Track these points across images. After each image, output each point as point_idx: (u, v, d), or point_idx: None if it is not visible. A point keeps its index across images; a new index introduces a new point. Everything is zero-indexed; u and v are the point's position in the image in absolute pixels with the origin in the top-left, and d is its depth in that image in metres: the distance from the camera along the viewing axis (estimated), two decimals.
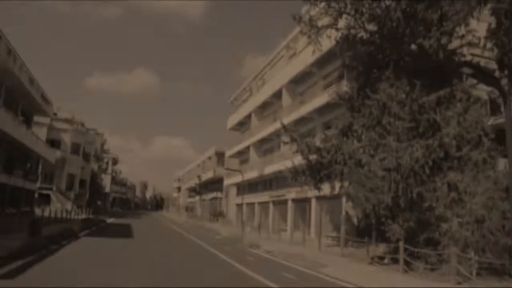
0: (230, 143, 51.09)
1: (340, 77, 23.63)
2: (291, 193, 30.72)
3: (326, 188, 19.86)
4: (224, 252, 17.46)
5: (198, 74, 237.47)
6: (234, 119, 48.32)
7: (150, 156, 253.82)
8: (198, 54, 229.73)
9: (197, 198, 74.44)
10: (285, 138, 19.89)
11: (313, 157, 19.06)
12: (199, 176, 63.75)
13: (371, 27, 17.67)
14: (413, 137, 14.40)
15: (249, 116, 42.94)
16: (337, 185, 19.03)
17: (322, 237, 22.28)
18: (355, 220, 22.42)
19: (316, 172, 19.19)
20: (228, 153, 50.47)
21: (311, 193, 25.87)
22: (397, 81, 15.25)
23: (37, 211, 36.42)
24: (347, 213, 23.10)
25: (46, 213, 28.54)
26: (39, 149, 35.70)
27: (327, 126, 25.60)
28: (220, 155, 58.12)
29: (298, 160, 20.23)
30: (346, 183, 17.87)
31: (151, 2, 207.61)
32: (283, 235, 27.94)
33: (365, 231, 19.77)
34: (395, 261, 13.96)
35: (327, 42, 19.73)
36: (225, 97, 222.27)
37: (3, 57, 22.88)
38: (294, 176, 19.83)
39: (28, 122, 34.51)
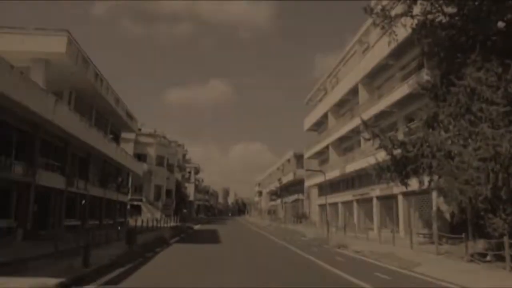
0: (308, 143, 50.82)
1: (420, 66, 22.46)
2: (376, 191, 29.72)
3: (413, 184, 18.95)
4: (312, 253, 17.31)
5: (270, 79, 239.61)
6: (311, 120, 47.96)
7: (230, 163, 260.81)
8: (268, 59, 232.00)
9: (279, 201, 74.86)
10: (366, 135, 19.26)
11: (397, 152, 18.29)
12: (279, 179, 64.11)
13: (450, 9, 16.62)
14: (510, 123, 13.22)
15: (325, 116, 42.38)
16: (426, 179, 18.07)
17: (412, 235, 21.26)
18: (447, 216, 21.07)
19: (401, 167, 18.37)
20: (306, 154, 50.18)
21: (397, 189, 24.83)
22: (486, 64, 14.11)
23: (130, 221, 38.99)
24: (438, 208, 21.81)
25: (139, 223, 30.39)
26: (128, 163, 38.23)
27: (410, 119, 24.45)
28: (299, 157, 58.02)
29: (382, 156, 19.52)
30: (435, 177, 16.92)
31: (218, 15, 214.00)
32: (370, 234, 27.05)
33: (460, 226, 18.48)
34: (499, 258, 12.86)
35: (403, 31, 18.93)
36: (298, 99, 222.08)
37: (92, 81, 24.86)
38: (379, 173, 19.14)
39: (116, 139, 37.12)
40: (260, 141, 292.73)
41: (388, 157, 18.50)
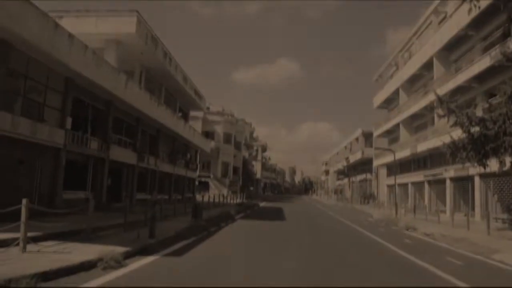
0: (377, 121, 48.97)
1: (505, 35, 20.45)
2: (449, 171, 27.99)
3: (492, 164, 17.53)
4: (379, 234, 16.69)
5: (339, 58, 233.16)
6: (381, 96, 46.06)
7: (297, 142, 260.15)
8: (336, 37, 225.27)
9: (346, 180, 73.56)
10: (441, 111, 17.98)
11: (475, 129, 16.95)
12: (347, 158, 62.83)
13: None
14: None
15: (396, 92, 40.43)
16: (508, 160, 16.60)
17: (490, 220, 19.76)
18: None
19: (479, 147, 17.06)
20: (376, 132, 48.45)
21: (474, 170, 23.15)
22: None
23: (198, 197, 40.26)
24: None
25: (206, 199, 31.20)
26: (197, 140, 39.28)
27: (491, 94, 22.50)
28: (367, 136, 56.23)
29: (457, 134, 18.22)
30: None
31: None
32: (442, 217, 25.60)
33: None
34: None
35: None
36: (367, 78, 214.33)
37: (161, 60, 25.54)
38: (454, 152, 17.92)
39: (185, 117, 38.20)
40: (328, 120, 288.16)
41: (464, 135, 17.29)
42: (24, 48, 13.50)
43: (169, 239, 11.87)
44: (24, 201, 8.12)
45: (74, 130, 17.72)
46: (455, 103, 17.43)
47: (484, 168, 17.62)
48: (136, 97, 22.30)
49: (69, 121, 16.87)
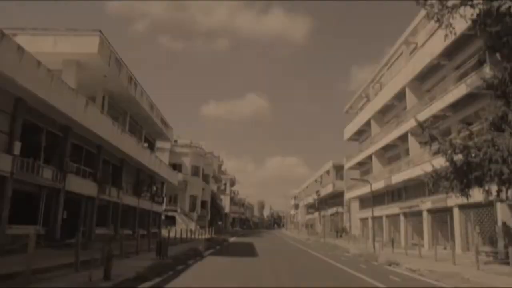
0: (348, 153, 48.58)
1: (481, 63, 20.25)
2: (426, 203, 27.22)
3: (475, 195, 16.75)
4: (362, 271, 15.32)
5: (306, 94, 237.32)
6: (352, 128, 45.78)
7: (265, 176, 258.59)
8: (304, 74, 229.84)
9: (316, 214, 72.33)
10: (424, 138, 17.17)
11: (458, 157, 16.19)
12: (317, 192, 61.86)
13: None
14: None
15: (367, 124, 40.14)
16: (494, 189, 15.82)
17: (472, 253, 18.85)
18: None
19: (462, 176, 16.24)
20: (347, 165, 47.89)
21: (453, 201, 22.47)
22: None
23: (164, 232, 37.93)
24: (504, 223, 19.30)
25: (172, 234, 29.23)
26: (163, 172, 37.30)
27: (467, 123, 22.07)
28: (338, 168, 55.64)
29: (438, 162, 17.48)
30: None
31: (255, 31, 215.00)
32: (420, 251, 24.55)
33: None
34: None
35: (459, 25, 17.14)
36: (334, 113, 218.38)
37: (125, 84, 24.02)
38: (436, 181, 17.06)
39: (151, 147, 36.31)
40: (296, 154, 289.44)
41: (444, 165, 16.55)
42: None
43: (128, 281, 10.15)
44: None
45: (25, 157, 15.77)
46: (437, 130, 16.71)
47: (467, 198, 16.80)
48: (97, 122, 20.56)
49: (17, 146, 14.96)
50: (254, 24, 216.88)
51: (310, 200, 75.83)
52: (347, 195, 48.09)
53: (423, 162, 24.40)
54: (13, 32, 17.33)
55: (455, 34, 17.21)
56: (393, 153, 35.82)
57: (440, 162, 17.79)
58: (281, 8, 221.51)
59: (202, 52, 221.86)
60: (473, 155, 15.79)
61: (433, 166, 17.20)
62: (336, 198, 56.91)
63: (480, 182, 16.07)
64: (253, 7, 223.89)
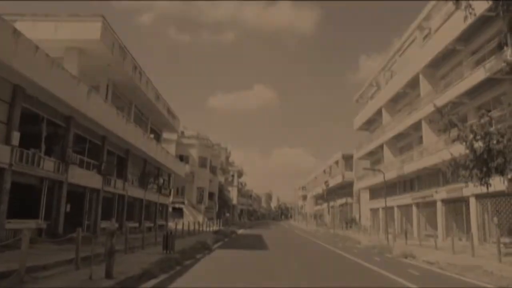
0: (358, 143, 47.66)
1: (501, 45, 19.20)
2: (441, 193, 26.34)
3: (494, 184, 15.95)
4: (377, 264, 14.59)
5: (314, 84, 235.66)
6: (362, 118, 44.78)
7: (272, 167, 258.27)
8: (312, 65, 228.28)
9: (325, 205, 71.54)
10: (442, 125, 16.28)
11: (478, 144, 15.37)
12: (326, 182, 60.94)
13: None
14: None
15: (379, 113, 39.12)
16: None
17: (489, 244, 18.05)
18: None
19: (482, 164, 15.43)
20: (357, 155, 47.00)
21: (469, 191, 21.59)
22: None
23: (171, 224, 37.41)
24: None
25: (180, 226, 28.65)
26: (170, 164, 36.66)
27: (486, 109, 21.14)
28: (347, 159, 54.77)
29: (457, 150, 16.65)
30: None
31: (262, 23, 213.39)
32: (434, 242, 23.74)
33: None
34: None
35: (479, 5, 16.23)
36: (343, 104, 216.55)
37: (129, 73, 23.29)
38: (455, 170, 16.25)
39: (157, 138, 35.66)
40: (303, 145, 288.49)
41: (461, 153, 15.73)
42: None
43: (132, 278, 9.49)
44: None
45: (25, 148, 15.14)
46: (456, 115, 15.85)
47: (487, 188, 16.00)
48: (101, 112, 19.90)
49: (16, 136, 14.31)
50: (261, 16, 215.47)
51: (318, 190, 75.03)
52: (357, 186, 47.26)
53: (438, 151, 23.53)
54: (13, 19, 16.68)
55: (474, 15, 16.25)
56: (405, 142, 34.87)
57: (457, 150, 16.97)
58: None
59: (209, 44, 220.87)
60: (494, 141, 15.01)
61: (451, 154, 16.41)
62: (345, 188, 56.10)
63: (501, 171, 15.28)
64: None
